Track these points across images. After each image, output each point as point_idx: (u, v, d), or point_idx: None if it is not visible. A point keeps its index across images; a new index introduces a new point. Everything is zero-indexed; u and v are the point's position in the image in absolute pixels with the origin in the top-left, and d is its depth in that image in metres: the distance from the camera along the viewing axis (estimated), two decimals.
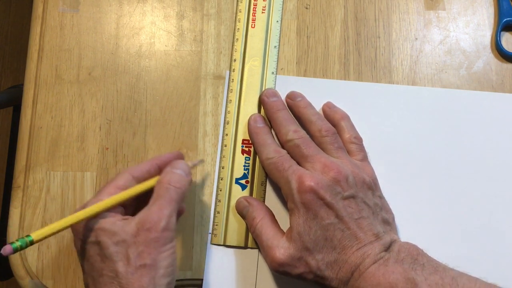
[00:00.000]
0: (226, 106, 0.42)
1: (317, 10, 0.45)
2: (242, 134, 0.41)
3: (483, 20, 0.44)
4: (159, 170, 0.36)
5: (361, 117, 0.41)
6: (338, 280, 0.34)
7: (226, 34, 0.44)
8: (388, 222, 0.37)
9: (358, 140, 0.40)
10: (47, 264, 0.40)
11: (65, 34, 0.44)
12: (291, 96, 0.41)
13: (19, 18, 1.23)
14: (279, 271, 0.35)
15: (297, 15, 0.44)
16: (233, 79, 0.43)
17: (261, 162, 0.40)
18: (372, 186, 0.37)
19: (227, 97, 0.42)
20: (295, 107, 0.41)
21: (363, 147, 0.40)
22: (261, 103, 0.42)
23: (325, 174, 0.35)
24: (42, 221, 0.41)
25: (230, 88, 0.42)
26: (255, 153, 0.41)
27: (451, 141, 0.41)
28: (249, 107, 0.42)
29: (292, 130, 0.38)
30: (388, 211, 0.38)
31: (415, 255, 0.33)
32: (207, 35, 0.44)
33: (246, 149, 0.41)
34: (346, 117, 0.41)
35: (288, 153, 0.38)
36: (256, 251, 0.39)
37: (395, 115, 0.42)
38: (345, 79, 0.43)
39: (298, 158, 0.38)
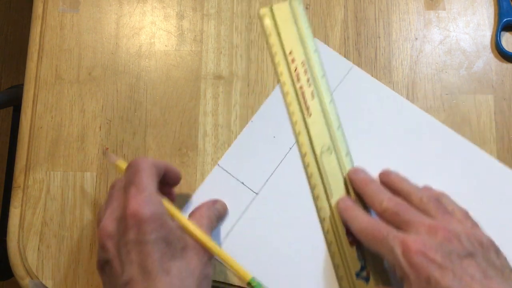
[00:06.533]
0: (317, 207, 0.40)
1: (317, 10, 0.45)
2: (343, 226, 0.39)
3: (483, 20, 0.44)
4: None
5: (405, 144, 0.41)
6: None
7: (226, 34, 0.44)
8: None
9: (463, 210, 0.35)
10: (47, 264, 0.40)
11: (65, 34, 0.44)
12: (384, 173, 0.39)
13: (19, 18, 1.23)
14: None
15: None
16: (311, 174, 0.40)
17: (356, 237, 0.36)
18: (492, 247, 0.32)
19: (316, 204, 0.40)
20: (390, 182, 0.38)
21: (470, 216, 0.35)
22: (350, 182, 0.40)
23: (432, 235, 0.31)
24: (42, 221, 0.41)
25: (313, 183, 0.40)
26: None
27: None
28: (338, 197, 0.40)
29: (386, 199, 0.35)
30: None
31: None
32: (207, 35, 0.44)
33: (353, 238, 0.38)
34: (445, 194, 0.37)
35: (387, 223, 0.34)
36: None
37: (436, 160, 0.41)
38: None
39: (399, 226, 0.33)
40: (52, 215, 0.41)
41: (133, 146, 0.42)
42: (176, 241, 0.32)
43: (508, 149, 0.42)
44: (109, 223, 0.32)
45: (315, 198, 0.40)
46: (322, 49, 0.43)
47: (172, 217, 0.34)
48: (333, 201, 0.40)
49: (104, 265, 0.32)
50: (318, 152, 0.41)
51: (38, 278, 0.40)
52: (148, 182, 0.33)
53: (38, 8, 0.45)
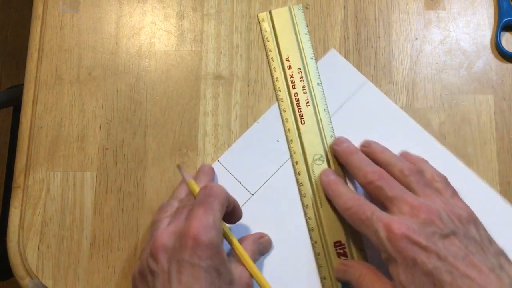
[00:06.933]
0: (306, 216, 0.40)
1: (317, 10, 0.45)
2: (331, 237, 0.39)
3: (483, 20, 0.44)
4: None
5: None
6: None
7: (226, 34, 0.44)
8: (503, 253, 0.32)
9: (442, 178, 0.37)
10: (47, 264, 0.40)
11: (65, 34, 0.44)
12: (366, 144, 0.40)
13: (19, 18, 1.23)
14: None
15: None
16: (302, 183, 0.40)
17: (341, 214, 0.37)
18: (472, 220, 0.33)
19: (305, 213, 0.40)
20: (371, 153, 0.39)
21: (449, 183, 0.37)
22: (333, 153, 0.40)
23: (415, 216, 0.32)
24: (42, 221, 0.41)
25: (303, 193, 0.40)
26: (352, 253, 0.38)
27: None
28: (330, 211, 0.39)
29: (370, 172, 0.36)
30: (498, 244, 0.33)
31: None
32: (207, 35, 0.44)
33: (341, 251, 0.38)
34: (423, 160, 0.38)
35: (371, 195, 0.36)
36: None
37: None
38: None
39: (382, 201, 0.35)
40: (52, 215, 0.41)
41: (133, 146, 0.42)
42: (226, 274, 0.32)
43: (508, 149, 0.42)
44: (167, 236, 0.32)
45: (305, 207, 0.40)
46: (338, 60, 0.43)
47: (230, 245, 0.35)
48: (322, 211, 0.39)
49: (147, 274, 0.32)
50: (309, 160, 0.41)
51: (38, 278, 0.40)
52: (216, 209, 0.33)
53: (38, 8, 0.45)
